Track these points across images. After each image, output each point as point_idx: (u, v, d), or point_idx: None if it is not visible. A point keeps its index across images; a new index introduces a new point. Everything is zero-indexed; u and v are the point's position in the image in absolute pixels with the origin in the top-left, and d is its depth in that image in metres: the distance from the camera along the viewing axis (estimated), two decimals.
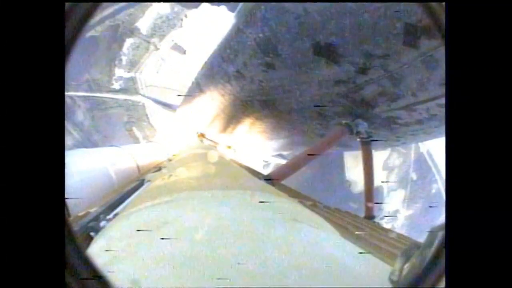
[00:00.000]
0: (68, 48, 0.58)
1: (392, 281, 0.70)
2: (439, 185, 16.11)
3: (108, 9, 11.36)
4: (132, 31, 11.71)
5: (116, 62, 11.98)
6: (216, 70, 5.89)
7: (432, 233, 0.66)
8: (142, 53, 11.94)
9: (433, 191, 16.47)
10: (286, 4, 3.50)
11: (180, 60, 12.30)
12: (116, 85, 12.03)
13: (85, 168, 4.04)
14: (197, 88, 7.64)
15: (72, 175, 3.52)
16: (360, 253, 1.19)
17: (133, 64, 12.00)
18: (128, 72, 12.18)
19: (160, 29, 11.85)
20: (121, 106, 12.26)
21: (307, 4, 3.32)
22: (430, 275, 0.61)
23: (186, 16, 11.68)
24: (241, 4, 4.70)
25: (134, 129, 12.47)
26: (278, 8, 3.61)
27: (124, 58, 11.83)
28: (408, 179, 16.09)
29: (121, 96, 12.00)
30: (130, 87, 11.95)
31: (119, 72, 12.18)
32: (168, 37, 11.91)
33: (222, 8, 11.58)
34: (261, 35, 4.04)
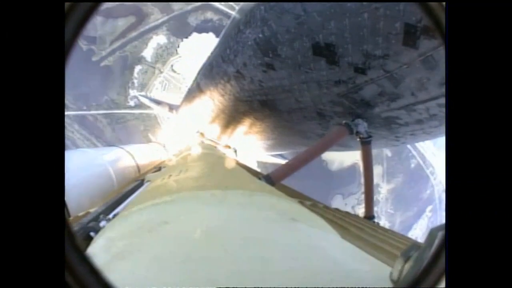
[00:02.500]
0: (68, 48, 0.58)
1: (392, 281, 0.70)
2: (418, 160, 16.76)
3: (116, 43, 14.11)
4: (139, 60, 14.53)
5: (129, 84, 14.76)
6: (216, 70, 5.89)
7: (432, 233, 0.66)
8: (149, 76, 14.63)
9: (412, 165, 17.09)
10: (286, 4, 3.50)
11: (179, 79, 14.67)
12: (131, 103, 14.89)
13: (85, 168, 4.04)
14: (197, 88, 7.64)
15: (72, 175, 3.52)
16: (360, 253, 1.19)
17: (143, 86, 14.69)
18: (140, 92, 14.79)
19: (162, 57, 14.64)
20: (137, 118, 14.94)
21: (307, 4, 3.32)
22: (430, 275, 0.61)
23: (178, 46, 14.54)
24: (241, 4, 4.71)
25: (149, 135, 14.82)
26: (278, 8, 3.61)
27: (135, 81, 14.62)
28: (383, 156, 16.63)
29: (136, 111, 14.77)
30: (143, 103, 14.29)
31: (132, 92, 14.92)
32: (169, 62, 14.67)
33: (210, 35, 14.21)
34: (261, 35, 4.04)
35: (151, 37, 14.67)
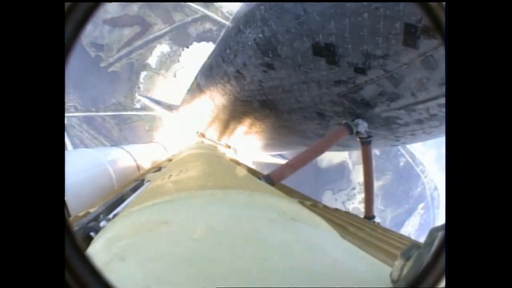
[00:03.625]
0: (68, 48, 0.58)
1: (392, 281, 0.70)
2: (407, 158, 17.51)
3: (122, 51, 15.70)
4: (145, 66, 16.09)
5: (136, 89, 16.11)
6: (216, 70, 5.89)
7: (432, 233, 0.66)
8: (154, 81, 16.17)
9: (401, 164, 17.67)
10: (286, 4, 3.50)
11: (181, 83, 15.80)
12: (138, 105, 16.30)
13: (85, 168, 4.04)
14: (197, 88, 7.64)
15: (72, 175, 3.52)
16: (360, 253, 1.19)
17: (149, 90, 16.09)
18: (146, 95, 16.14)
19: (165, 64, 16.17)
20: (143, 119, 16.37)
21: (307, 4, 3.32)
22: (430, 275, 0.61)
23: (180, 54, 16.18)
24: (240, 4, 4.71)
25: (154, 134, 16.24)
26: (278, 8, 3.61)
27: (141, 86, 16.32)
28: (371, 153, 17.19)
29: (142, 113, 16.21)
30: (146, 104, 15.68)
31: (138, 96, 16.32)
32: (172, 68, 16.25)
33: (209, 44, 15.50)
34: (261, 35, 4.04)
35: (155, 46, 16.34)
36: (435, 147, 17.18)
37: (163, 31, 16.02)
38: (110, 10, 15.33)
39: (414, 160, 17.75)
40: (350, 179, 17.74)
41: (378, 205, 17.73)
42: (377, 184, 17.67)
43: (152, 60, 16.29)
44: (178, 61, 16.33)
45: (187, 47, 16.30)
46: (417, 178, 17.95)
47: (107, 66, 15.92)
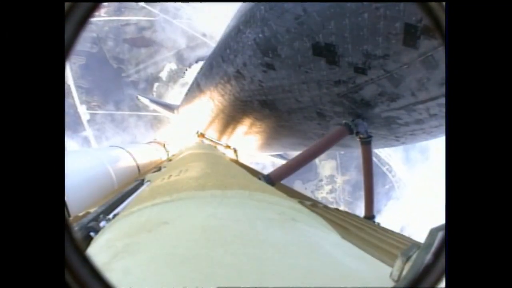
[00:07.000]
0: (68, 48, 0.58)
1: (392, 281, 0.70)
2: (372, 158, 19.12)
3: (140, 65, 20.82)
4: (157, 79, 21.42)
5: (150, 96, 19.97)
6: (216, 70, 5.89)
7: (432, 233, 0.66)
8: (164, 90, 21.44)
9: None
10: (286, 4, 3.50)
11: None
12: (151, 108, 19.22)
13: (85, 168, 4.03)
14: (197, 88, 7.64)
15: (72, 175, 3.51)
16: (360, 253, 1.19)
17: (160, 97, 20.91)
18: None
19: (173, 78, 21.52)
20: (155, 119, 20.93)
21: (307, 4, 3.32)
22: (430, 275, 0.61)
23: (186, 70, 21.30)
24: (241, 4, 4.71)
25: (155, 134, 19.45)
26: (278, 8, 3.61)
27: (154, 93, 21.20)
28: (335, 152, 19.44)
29: (153, 113, 20.30)
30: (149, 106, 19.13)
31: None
32: (178, 81, 21.30)
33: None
34: (261, 35, 4.04)
35: (166, 64, 21.22)
36: (401, 150, 19.48)
37: (172, 52, 21.06)
38: (128, 31, 19.99)
39: (379, 160, 19.91)
40: (318, 172, 20.69)
41: (346, 197, 20.17)
42: (343, 178, 20.32)
43: (163, 74, 21.19)
44: (184, 76, 20.95)
45: (189, 67, 20.86)
46: (383, 177, 20.17)
47: (127, 77, 20.48)
